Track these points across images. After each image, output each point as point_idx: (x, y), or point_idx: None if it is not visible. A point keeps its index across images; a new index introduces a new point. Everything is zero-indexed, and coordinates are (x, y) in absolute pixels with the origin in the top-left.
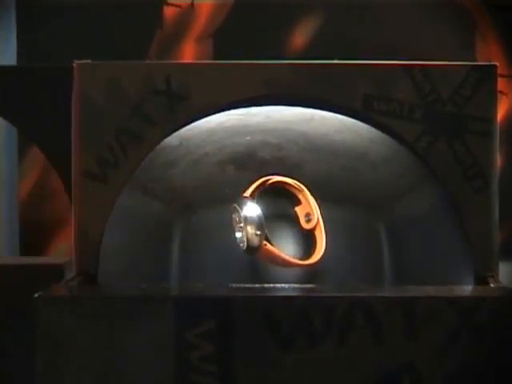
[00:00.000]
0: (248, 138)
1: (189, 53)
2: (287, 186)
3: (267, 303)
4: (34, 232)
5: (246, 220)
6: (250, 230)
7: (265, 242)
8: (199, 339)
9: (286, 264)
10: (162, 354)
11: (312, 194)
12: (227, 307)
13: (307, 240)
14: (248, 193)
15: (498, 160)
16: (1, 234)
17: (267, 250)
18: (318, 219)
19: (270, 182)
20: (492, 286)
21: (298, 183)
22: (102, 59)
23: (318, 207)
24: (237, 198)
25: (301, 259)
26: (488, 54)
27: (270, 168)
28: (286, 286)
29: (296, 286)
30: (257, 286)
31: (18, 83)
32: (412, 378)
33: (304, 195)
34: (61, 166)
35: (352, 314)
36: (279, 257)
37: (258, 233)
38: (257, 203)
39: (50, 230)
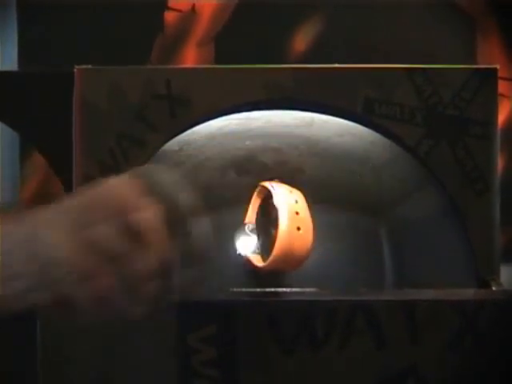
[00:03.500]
0: (248, 142)
1: (190, 57)
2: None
3: (268, 307)
4: None
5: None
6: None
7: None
8: (201, 343)
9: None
10: (164, 357)
11: (313, 198)
12: (228, 311)
13: None
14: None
15: (500, 163)
16: None
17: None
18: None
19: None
20: (494, 288)
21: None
22: (104, 64)
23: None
24: (237, 203)
25: None
26: (489, 55)
27: (271, 172)
28: (288, 290)
29: (297, 289)
30: (258, 290)
31: (19, 88)
32: (415, 380)
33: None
34: (62, 172)
35: (354, 317)
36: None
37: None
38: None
39: None
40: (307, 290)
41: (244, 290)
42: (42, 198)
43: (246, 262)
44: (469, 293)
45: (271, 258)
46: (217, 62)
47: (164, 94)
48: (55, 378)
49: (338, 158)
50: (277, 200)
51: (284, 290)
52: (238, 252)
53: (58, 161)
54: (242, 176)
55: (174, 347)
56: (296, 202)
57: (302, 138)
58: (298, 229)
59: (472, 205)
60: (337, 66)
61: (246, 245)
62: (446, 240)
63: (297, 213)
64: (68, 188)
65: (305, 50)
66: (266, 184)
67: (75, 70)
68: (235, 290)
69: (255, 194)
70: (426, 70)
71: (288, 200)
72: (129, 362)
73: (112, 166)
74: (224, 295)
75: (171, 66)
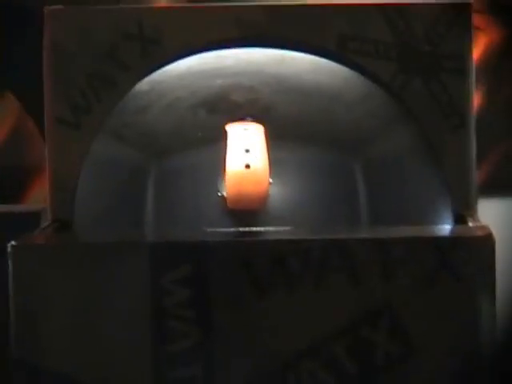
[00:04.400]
0: (219, 81)
1: None
2: None
3: (243, 247)
4: (11, 179)
5: None
6: None
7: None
8: (175, 285)
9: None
10: (138, 300)
11: (285, 135)
12: (203, 252)
13: None
14: None
15: (477, 97)
16: None
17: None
18: None
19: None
20: (470, 224)
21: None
22: (74, 4)
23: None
24: (210, 142)
25: None
26: None
27: (242, 111)
28: (262, 229)
29: (272, 229)
30: (232, 230)
31: None
32: (390, 318)
33: None
34: (36, 112)
35: (328, 256)
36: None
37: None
38: None
39: (26, 177)
40: (281, 228)
41: (217, 230)
42: (17, 140)
43: (223, 202)
44: (445, 229)
45: (226, 198)
46: (189, 0)
47: (135, 33)
48: (29, 327)
49: (310, 95)
50: (228, 140)
51: (258, 229)
52: (218, 193)
53: (32, 101)
54: (213, 115)
55: (147, 289)
56: (248, 139)
57: (273, 76)
58: (247, 167)
59: (447, 140)
60: (310, 3)
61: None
62: (422, 176)
63: (247, 151)
64: (42, 129)
65: None
66: (227, 126)
67: (45, 10)
68: (208, 230)
69: None
70: (400, 5)
71: (238, 138)
72: (102, 305)
73: (83, 107)
74: (197, 235)
75: (142, 6)
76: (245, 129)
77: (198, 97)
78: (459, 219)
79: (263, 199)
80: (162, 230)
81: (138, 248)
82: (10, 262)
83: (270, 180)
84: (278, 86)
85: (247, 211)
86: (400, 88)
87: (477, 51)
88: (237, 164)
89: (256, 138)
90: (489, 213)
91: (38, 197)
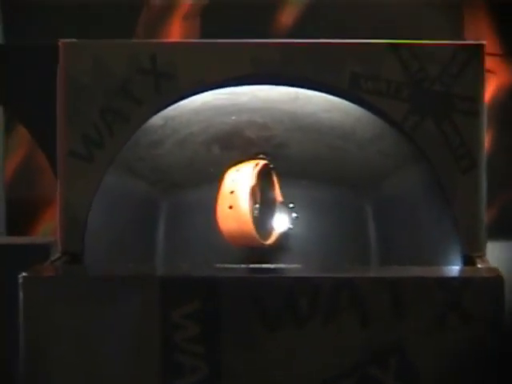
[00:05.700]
0: (233, 117)
1: (176, 32)
2: None
3: (253, 284)
4: (21, 212)
5: None
6: None
7: None
8: (185, 320)
9: None
10: (148, 334)
11: (298, 173)
12: (213, 287)
13: None
14: None
15: (487, 139)
16: None
17: None
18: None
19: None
20: (479, 266)
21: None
22: (88, 38)
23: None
24: (222, 178)
25: None
26: (476, 31)
27: (256, 148)
28: (272, 266)
29: (282, 266)
30: (243, 266)
31: (4, 61)
32: (400, 357)
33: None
34: (47, 146)
35: (338, 294)
36: None
37: None
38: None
39: (36, 210)
40: (292, 266)
41: (228, 265)
42: (27, 171)
43: None
44: (454, 270)
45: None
46: (203, 37)
47: (149, 68)
48: (38, 357)
49: (323, 134)
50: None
51: (268, 266)
52: None
53: (43, 135)
54: (226, 151)
55: (158, 324)
56: (236, 181)
57: (287, 113)
58: (230, 207)
59: (458, 181)
60: (323, 41)
61: None
62: (432, 217)
63: (231, 192)
64: (53, 162)
65: (292, 24)
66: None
67: (59, 43)
68: (219, 265)
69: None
70: (413, 45)
71: (228, 180)
72: (112, 338)
73: (96, 141)
74: (208, 271)
75: (156, 40)
76: (237, 170)
77: (211, 132)
78: (468, 261)
79: (249, 237)
80: (173, 265)
81: (148, 282)
82: (20, 293)
83: (295, 214)
84: (291, 123)
85: (250, 248)
86: (412, 128)
87: (489, 92)
88: (222, 206)
89: (243, 179)
90: (496, 255)
91: (48, 229)
